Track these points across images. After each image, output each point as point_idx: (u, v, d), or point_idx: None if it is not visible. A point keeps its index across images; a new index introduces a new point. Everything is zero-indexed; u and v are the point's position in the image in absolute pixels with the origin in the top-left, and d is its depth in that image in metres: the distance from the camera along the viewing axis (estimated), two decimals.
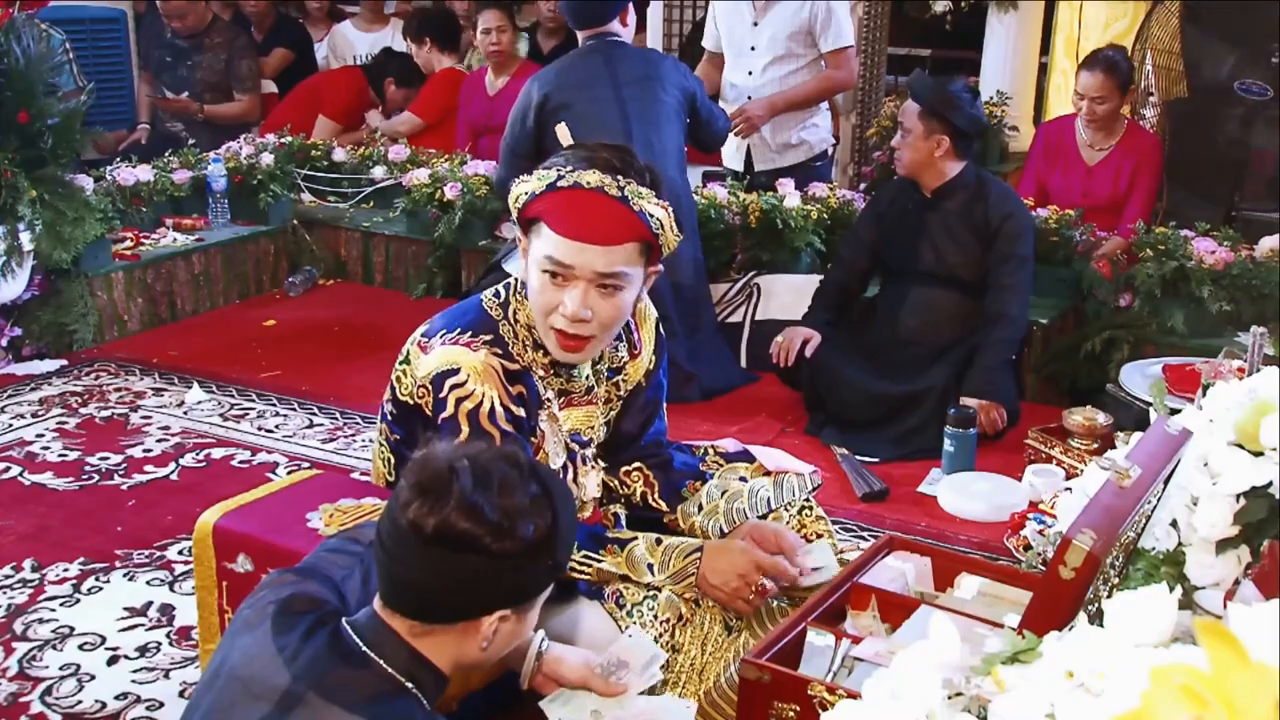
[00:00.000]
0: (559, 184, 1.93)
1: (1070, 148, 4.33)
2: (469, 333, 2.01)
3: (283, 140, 5.19)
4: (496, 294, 2.08)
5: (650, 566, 2.00)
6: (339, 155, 5.17)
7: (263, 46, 6.35)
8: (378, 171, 5.05)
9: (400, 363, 2.07)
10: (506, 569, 1.47)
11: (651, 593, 2.03)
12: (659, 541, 2.04)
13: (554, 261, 1.94)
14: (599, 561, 2.00)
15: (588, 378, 2.13)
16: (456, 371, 1.96)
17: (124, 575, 2.83)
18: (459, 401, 1.95)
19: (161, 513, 3.11)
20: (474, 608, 1.50)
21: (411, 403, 2.04)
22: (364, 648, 1.49)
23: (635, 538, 2.04)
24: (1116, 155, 4.25)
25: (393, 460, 2.15)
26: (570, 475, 2.12)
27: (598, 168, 1.93)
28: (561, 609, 2.05)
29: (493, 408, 1.95)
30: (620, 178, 1.94)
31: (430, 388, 1.98)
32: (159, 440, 3.55)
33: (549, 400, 2.08)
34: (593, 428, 2.17)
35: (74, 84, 4.96)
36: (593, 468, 2.18)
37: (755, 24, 4.31)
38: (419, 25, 5.69)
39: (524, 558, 1.47)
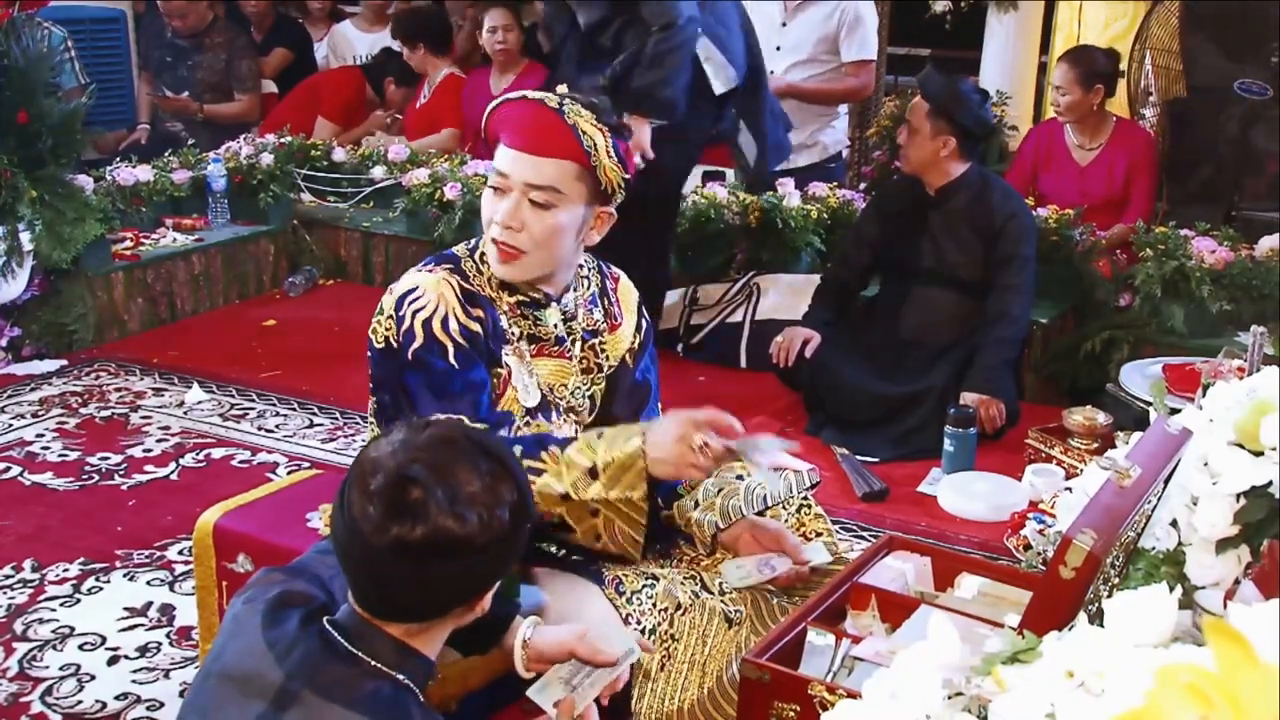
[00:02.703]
0: (510, 97, 2.06)
1: (1060, 149, 4.33)
2: (432, 263, 2.11)
3: (282, 140, 5.18)
4: (471, 241, 2.18)
5: (592, 471, 1.94)
6: (339, 155, 5.17)
7: (262, 46, 6.35)
8: (377, 171, 5.04)
9: (375, 316, 2.10)
10: (498, 551, 1.47)
11: (650, 580, 2.04)
12: (600, 435, 2.00)
13: (495, 173, 2.05)
14: (540, 475, 1.94)
15: (556, 326, 2.15)
16: (415, 289, 2.03)
17: (124, 575, 2.82)
18: (415, 314, 2.01)
19: (161, 513, 3.11)
20: (471, 594, 1.51)
21: (384, 347, 2.05)
22: (349, 647, 1.47)
23: (575, 438, 2.02)
24: (1108, 154, 4.25)
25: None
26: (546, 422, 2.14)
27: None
28: (563, 597, 2.05)
29: (446, 316, 2.01)
30: (567, 101, 2.04)
31: (394, 313, 2.03)
32: (159, 440, 3.55)
33: (513, 336, 2.10)
34: (566, 386, 2.17)
35: (76, 81, 4.96)
36: (565, 422, 2.18)
37: (784, 24, 4.33)
38: (410, 30, 5.60)
39: (511, 534, 1.47)
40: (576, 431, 2.19)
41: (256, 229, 4.89)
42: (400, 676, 1.47)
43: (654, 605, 2.00)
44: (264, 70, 6.21)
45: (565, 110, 2.02)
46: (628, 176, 2.07)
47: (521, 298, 2.12)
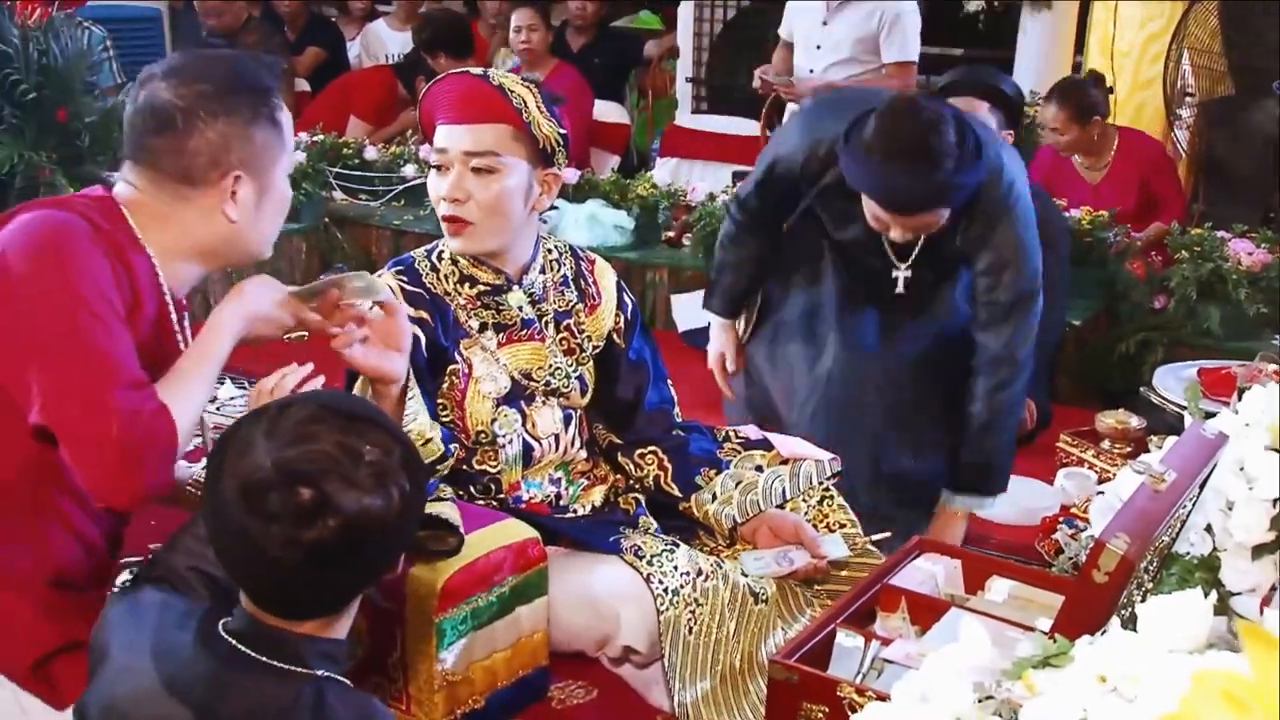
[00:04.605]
0: (438, 78, 2.11)
1: (1069, 172, 4.28)
2: (387, 267, 2.17)
3: (315, 139, 5.22)
4: (434, 243, 2.21)
5: None
6: (370, 154, 5.20)
7: (296, 45, 6.39)
8: (408, 170, 5.07)
9: None
10: (408, 508, 1.38)
11: (670, 546, 2.05)
12: None
13: (434, 151, 2.08)
14: None
15: (520, 309, 2.16)
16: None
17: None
18: None
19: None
20: (389, 564, 1.45)
21: None
22: (257, 656, 1.36)
23: None
24: (1118, 167, 4.20)
25: None
26: (520, 416, 2.15)
27: None
28: (578, 565, 2.06)
29: None
30: (490, 69, 2.12)
31: None
32: (194, 435, 3.57)
33: (472, 329, 2.12)
34: (544, 369, 2.17)
35: (114, 80, 5.01)
36: (544, 404, 2.19)
37: (825, 23, 4.32)
38: (430, 39, 5.50)
39: (414, 493, 1.39)
40: (566, 414, 2.20)
41: (289, 226, 4.90)
42: (319, 672, 1.37)
43: (675, 568, 2.01)
44: (297, 69, 6.25)
45: (490, 75, 2.08)
46: (563, 132, 2.09)
47: (481, 287, 2.13)
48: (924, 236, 2.56)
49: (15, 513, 1.69)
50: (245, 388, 3.92)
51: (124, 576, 1.86)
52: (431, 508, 1.85)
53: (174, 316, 1.81)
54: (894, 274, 2.63)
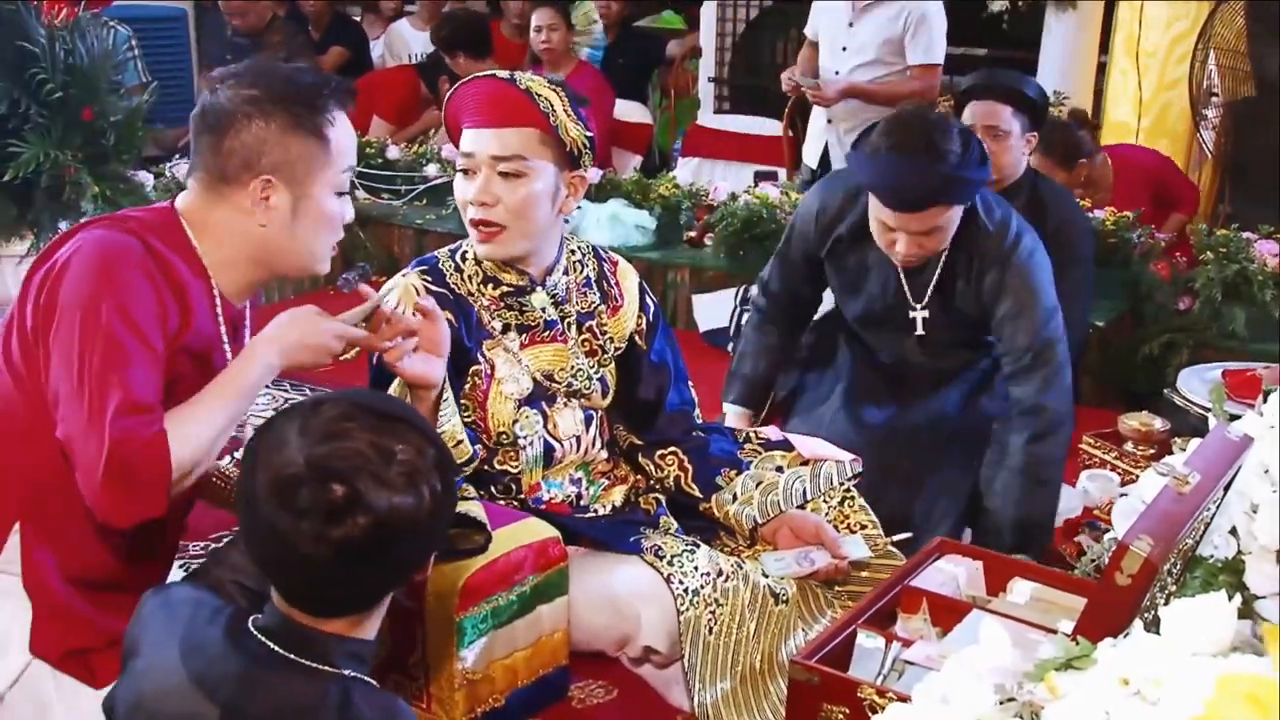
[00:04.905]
0: (463, 80, 2.11)
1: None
2: (411, 266, 2.18)
3: None
4: (457, 243, 2.21)
5: None
6: (393, 153, 5.22)
7: (320, 45, 6.42)
8: (431, 169, 5.08)
9: None
10: (439, 508, 1.38)
11: (690, 546, 2.05)
12: None
13: (461, 154, 2.08)
14: None
15: (544, 310, 2.15)
16: (386, 293, 2.06)
17: (180, 566, 2.86)
18: None
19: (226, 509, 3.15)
20: (419, 564, 1.45)
21: None
22: (286, 653, 1.36)
23: None
24: (1122, 192, 4.15)
25: None
26: (542, 418, 2.15)
27: None
28: (599, 565, 2.06)
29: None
30: (517, 71, 2.10)
31: None
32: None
33: (495, 330, 2.12)
34: (566, 370, 2.18)
35: (139, 79, 5.04)
36: (566, 405, 2.19)
37: (850, 24, 4.30)
38: (448, 38, 5.49)
39: (445, 493, 1.39)
40: (587, 415, 2.20)
41: None
42: (346, 672, 1.37)
43: (696, 569, 2.01)
44: (321, 68, 6.27)
45: (517, 79, 2.07)
46: (591, 135, 2.09)
47: (505, 288, 2.13)
48: (935, 278, 2.58)
49: (61, 513, 1.71)
50: (269, 387, 3.95)
51: (175, 574, 1.88)
52: (459, 506, 1.86)
53: (224, 332, 1.83)
54: (910, 315, 2.63)
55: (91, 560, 1.75)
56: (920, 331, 2.66)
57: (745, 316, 3.14)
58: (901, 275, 2.62)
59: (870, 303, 2.70)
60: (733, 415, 2.86)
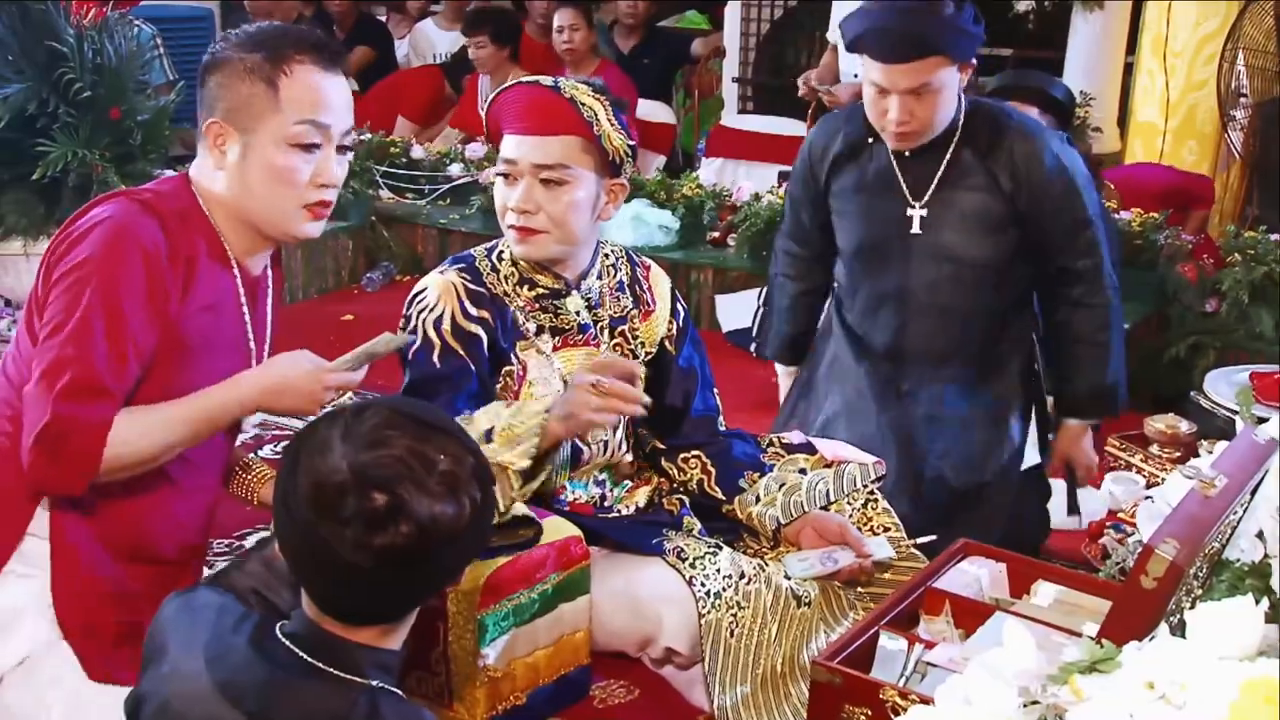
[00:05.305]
0: (506, 85, 2.11)
1: None
2: (448, 264, 2.17)
3: (362, 138, 5.26)
4: (493, 242, 2.21)
5: (489, 434, 1.91)
6: (417, 153, 5.23)
7: (345, 44, 6.44)
8: (454, 169, 5.10)
9: None
10: (479, 519, 1.38)
11: (713, 549, 2.05)
12: (518, 404, 2.02)
13: (503, 160, 2.09)
14: None
15: (578, 314, 2.16)
16: (424, 289, 2.10)
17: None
18: (420, 313, 2.08)
19: (240, 502, 3.17)
20: (455, 574, 1.44)
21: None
22: (314, 662, 1.35)
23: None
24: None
25: None
26: None
27: None
28: (621, 566, 2.06)
29: (441, 316, 2.07)
30: (561, 79, 2.09)
31: (405, 311, 2.11)
32: (240, 431, 3.61)
33: (529, 331, 2.13)
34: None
35: (165, 78, 5.08)
36: None
37: None
38: (475, 18, 5.47)
39: (484, 504, 1.38)
40: (618, 420, 2.20)
41: (336, 225, 4.95)
42: (374, 682, 1.36)
43: (718, 571, 2.01)
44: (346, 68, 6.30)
45: (561, 86, 2.06)
46: (633, 143, 2.09)
47: (540, 290, 2.13)
48: (938, 177, 2.48)
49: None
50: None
51: (212, 570, 1.89)
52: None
53: (242, 296, 1.85)
54: (909, 213, 2.51)
55: (128, 527, 1.78)
56: (917, 230, 2.53)
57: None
58: (898, 170, 2.50)
59: (870, 221, 2.57)
60: (783, 375, 2.86)
